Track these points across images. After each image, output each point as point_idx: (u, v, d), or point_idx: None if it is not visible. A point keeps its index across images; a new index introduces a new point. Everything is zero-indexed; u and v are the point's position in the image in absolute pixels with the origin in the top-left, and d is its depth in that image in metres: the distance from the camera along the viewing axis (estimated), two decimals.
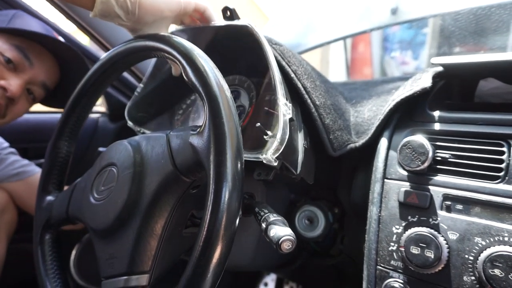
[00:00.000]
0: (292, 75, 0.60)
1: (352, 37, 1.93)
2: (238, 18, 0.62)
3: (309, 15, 1.36)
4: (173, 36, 0.50)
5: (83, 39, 1.15)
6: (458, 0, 0.98)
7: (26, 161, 0.96)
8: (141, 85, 0.72)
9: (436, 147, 0.52)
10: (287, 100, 0.52)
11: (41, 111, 1.17)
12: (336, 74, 2.30)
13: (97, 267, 0.50)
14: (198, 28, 0.63)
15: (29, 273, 0.96)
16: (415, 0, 1.09)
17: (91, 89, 0.62)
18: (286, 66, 0.60)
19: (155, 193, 0.46)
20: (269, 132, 0.51)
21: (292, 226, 0.70)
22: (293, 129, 0.55)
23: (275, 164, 0.50)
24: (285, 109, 0.51)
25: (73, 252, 0.84)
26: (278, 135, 0.49)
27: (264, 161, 0.50)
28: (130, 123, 0.71)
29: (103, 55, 0.60)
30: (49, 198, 0.62)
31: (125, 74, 1.12)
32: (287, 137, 0.50)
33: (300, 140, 0.58)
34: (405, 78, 0.88)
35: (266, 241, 0.47)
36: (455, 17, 1.00)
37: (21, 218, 0.99)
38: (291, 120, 0.52)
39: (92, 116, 1.19)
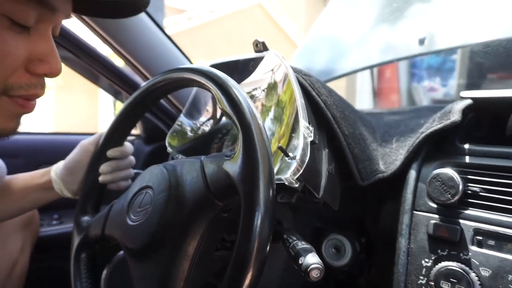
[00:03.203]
0: (322, 105, 0.61)
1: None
2: (267, 50, 0.65)
3: (336, 44, 1.39)
4: (208, 68, 0.53)
5: (118, 62, 1.21)
6: (488, 32, 0.98)
7: None
8: (182, 115, 0.76)
9: (467, 181, 0.52)
10: (309, 124, 0.54)
11: (82, 133, 1.24)
12: (362, 100, 2.30)
13: (131, 286, 0.52)
14: (231, 62, 0.66)
15: None
16: (443, 31, 1.10)
17: (129, 115, 0.66)
18: (316, 96, 0.62)
19: (189, 215, 0.48)
20: (290, 154, 0.52)
21: (318, 254, 0.70)
22: (316, 153, 0.56)
23: (297, 185, 0.51)
24: (306, 132, 0.52)
25: (104, 272, 0.86)
26: (298, 156, 0.51)
27: (286, 182, 0.51)
28: (169, 150, 0.74)
29: (142, 83, 0.65)
30: (86, 218, 0.65)
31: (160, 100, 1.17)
32: (307, 158, 0.51)
33: (324, 165, 0.59)
34: (433, 108, 0.88)
35: (290, 269, 0.47)
36: (484, 49, 1.00)
37: (50, 239, 1.03)
38: (312, 143, 0.53)
39: (128, 138, 1.25)
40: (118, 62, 1.17)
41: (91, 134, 1.29)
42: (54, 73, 0.47)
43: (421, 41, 1.07)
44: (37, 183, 0.76)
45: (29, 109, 0.48)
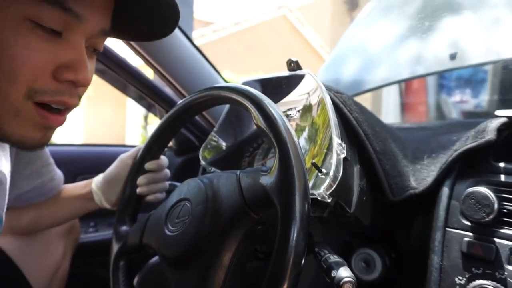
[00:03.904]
0: (354, 122, 0.63)
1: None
2: (301, 68, 0.67)
3: (365, 57, 1.39)
4: (245, 87, 0.55)
5: (148, 74, 1.25)
6: None
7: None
8: (215, 129, 0.79)
9: (502, 199, 0.52)
10: (342, 141, 0.55)
11: (117, 145, 1.29)
12: (388, 112, 2.27)
13: None
14: (264, 79, 0.69)
15: None
16: (475, 46, 1.09)
17: (166, 130, 0.69)
18: (348, 114, 0.63)
19: (226, 227, 0.50)
20: (323, 170, 0.54)
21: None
22: (348, 169, 0.57)
23: (329, 200, 0.52)
24: (339, 149, 0.54)
25: (136, 278, 0.89)
26: (331, 172, 0.52)
27: (318, 197, 0.52)
28: (203, 163, 0.77)
29: (175, 97, 0.68)
30: (124, 228, 0.68)
31: None
32: (340, 175, 0.52)
33: (356, 181, 0.60)
34: (464, 123, 0.87)
35: (319, 282, 0.48)
36: None
37: (87, 246, 1.08)
38: (345, 159, 0.54)
39: None
40: (148, 73, 1.21)
41: (126, 146, 1.36)
42: (81, 81, 0.47)
43: (453, 56, 1.06)
44: (79, 193, 0.81)
45: (51, 122, 0.47)
